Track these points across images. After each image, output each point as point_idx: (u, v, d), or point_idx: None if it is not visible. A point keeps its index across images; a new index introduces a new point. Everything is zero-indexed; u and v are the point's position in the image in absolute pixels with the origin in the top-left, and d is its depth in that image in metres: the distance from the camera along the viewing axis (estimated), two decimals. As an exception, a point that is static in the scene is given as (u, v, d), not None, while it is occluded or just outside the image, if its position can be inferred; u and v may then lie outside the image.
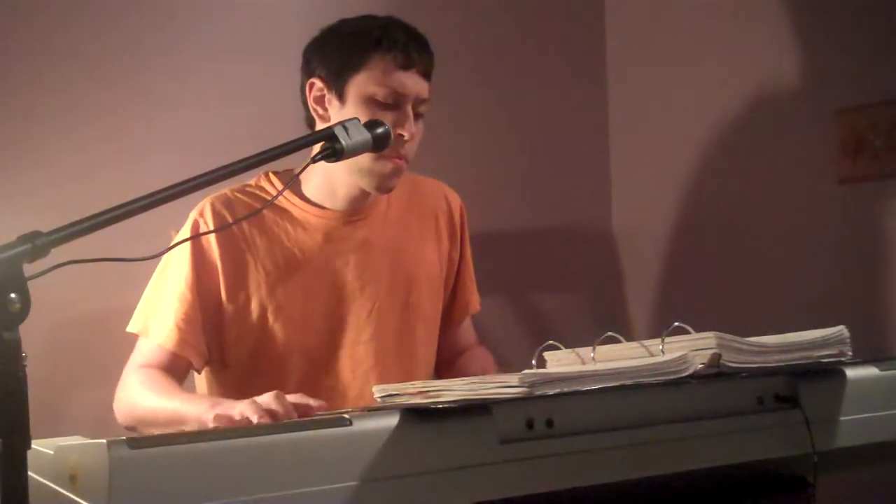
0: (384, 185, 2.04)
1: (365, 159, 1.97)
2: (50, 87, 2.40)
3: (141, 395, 1.96)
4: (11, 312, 1.15)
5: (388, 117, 1.88)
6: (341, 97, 2.01)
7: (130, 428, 1.99)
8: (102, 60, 2.46)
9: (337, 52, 2.03)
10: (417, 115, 2.03)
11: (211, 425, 1.66)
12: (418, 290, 2.15)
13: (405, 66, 1.99)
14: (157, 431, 1.87)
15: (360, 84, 2.00)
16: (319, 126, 2.04)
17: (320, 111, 2.04)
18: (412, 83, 2.00)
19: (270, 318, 2.03)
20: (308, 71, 2.06)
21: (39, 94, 2.39)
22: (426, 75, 2.03)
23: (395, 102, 1.99)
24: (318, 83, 2.04)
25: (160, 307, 2.03)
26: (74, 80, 2.43)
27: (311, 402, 1.67)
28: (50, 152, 2.39)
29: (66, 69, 2.42)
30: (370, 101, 1.98)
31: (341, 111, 2.00)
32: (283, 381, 1.99)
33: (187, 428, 1.78)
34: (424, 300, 2.16)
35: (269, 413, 1.61)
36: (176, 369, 2.01)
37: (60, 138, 2.40)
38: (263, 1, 2.67)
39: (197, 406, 1.78)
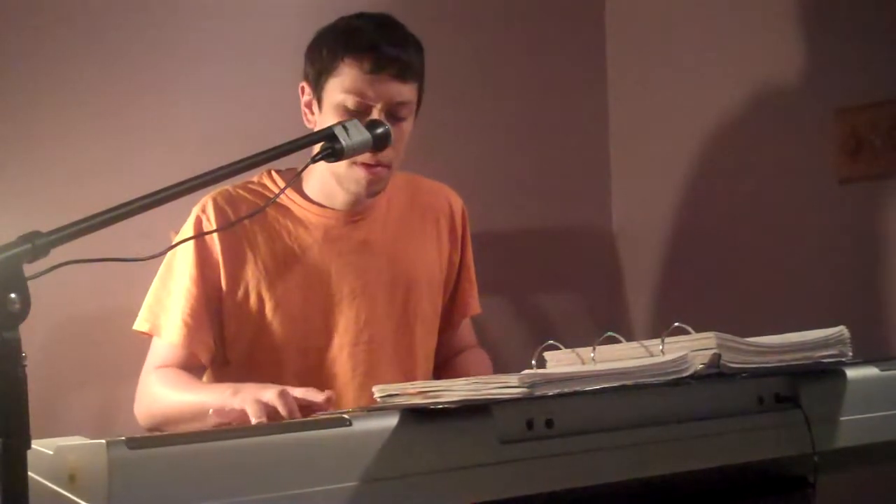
0: (360, 191, 2.01)
1: (340, 166, 1.94)
2: (50, 87, 2.39)
3: (162, 394, 1.96)
4: (11, 312, 1.15)
5: None
6: (319, 104, 1.99)
7: (155, 429, 1.99)
8: (102, 60, 2.46)
9: (317, 57, 1.99)
10: (398, 119, 1.97)
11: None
12: (417, 291, 2.15)
13: (373, 70, 1.93)
14: (184, 428, 1.87)
15: (332, 91, 1.96)
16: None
17: (309, 116, 2.04)
18: (383, 88, 1.94)
19: (269, 315, 2.03)
20: (303, 74, 2.05)
21: (39, 94, 2.38)
22: (400, 77, 1.95)
23: (365, 109, 1.93)
24: (307, 87, 2.03)
25: (167, 304, 2.03)
26: (74, 80, 2.42)
27: (318, 397, 1.67)
28: (50, 152, 2.39)
29: (66, 69, 2.41)
30: (340, 109, 1.94)
31: (320, 118, 1.99)
32: (282, 380, 1.99)
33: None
34: (423, 301, 2.16)
35: (273, 413, 1.62)
36: (192, 365, 2.02)
37: (60, 138, 2.40)
38: (263, 1, 2.67)
39: (220, 394, 1.79)
